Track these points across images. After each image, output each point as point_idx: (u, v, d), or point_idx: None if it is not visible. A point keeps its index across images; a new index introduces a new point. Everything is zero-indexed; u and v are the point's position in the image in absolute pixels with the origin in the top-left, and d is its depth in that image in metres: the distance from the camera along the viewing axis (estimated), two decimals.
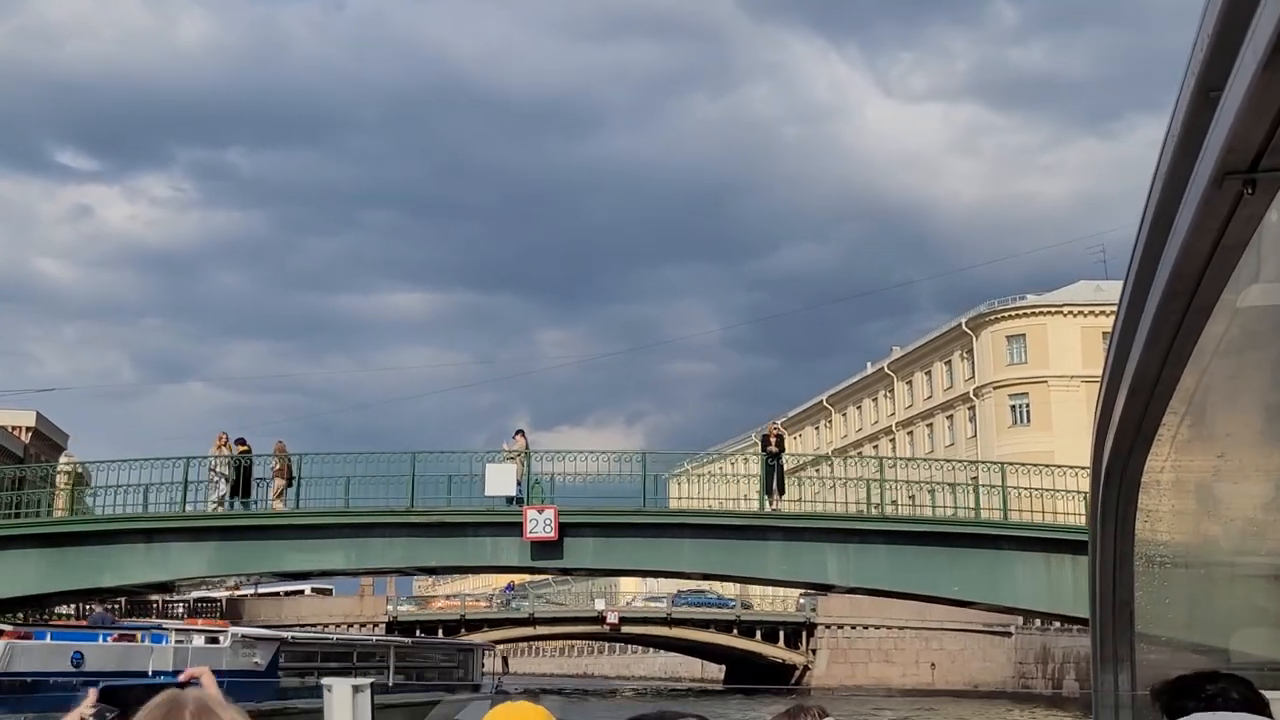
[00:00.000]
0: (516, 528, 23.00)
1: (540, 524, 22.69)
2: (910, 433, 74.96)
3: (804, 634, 57.82)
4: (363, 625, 53.42)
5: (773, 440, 23.94)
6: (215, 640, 18.97)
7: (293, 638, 23.65)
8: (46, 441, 76.86)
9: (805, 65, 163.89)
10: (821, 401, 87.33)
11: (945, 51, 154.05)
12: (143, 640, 17.76)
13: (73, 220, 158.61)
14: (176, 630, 19.74)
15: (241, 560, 23.49)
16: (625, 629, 58.83)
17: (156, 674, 17.22)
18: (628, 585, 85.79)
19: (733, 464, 53.61)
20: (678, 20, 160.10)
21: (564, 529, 22.74)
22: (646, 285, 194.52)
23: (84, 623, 24.92)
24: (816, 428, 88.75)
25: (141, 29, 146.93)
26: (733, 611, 57.80)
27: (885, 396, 79.13)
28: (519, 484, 23.34)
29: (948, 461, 27.33)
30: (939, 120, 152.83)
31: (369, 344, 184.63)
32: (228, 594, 53.13)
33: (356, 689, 15.25)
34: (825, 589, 32.43)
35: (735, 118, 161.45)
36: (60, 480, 25.76)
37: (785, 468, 24.73)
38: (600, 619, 57.23)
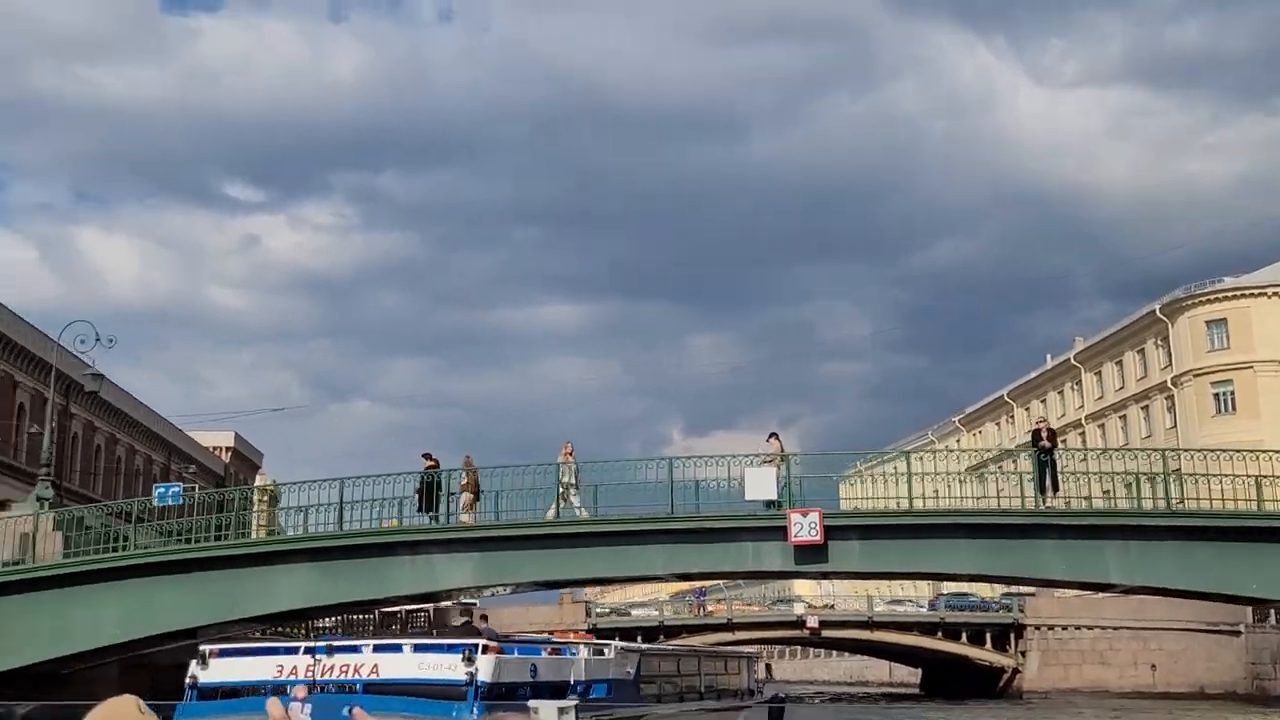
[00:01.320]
0: (779, 532, 22.39)
1: (805, 527, 22.02)
2: (1101, 425, 72.09)
3: (1012, 636, 55.78)
4: (563, 633, 53.58)
5: (1044, 434, 22.78)
6: (601, 652, 19.24)
7: (648, 648, 24.48)
8: (244, 461, 79.87)
9: (951, 58, 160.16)
10: (1002, 396, 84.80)
11: (1097, 35, 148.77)
12: (562, 654, 18.22)
13: (242, 250, 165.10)
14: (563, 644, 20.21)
15: (503, 571, 23.42)
16: (825, 633, 57.75)
17: (577, 684, 17.71)
18: (803, 589, 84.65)
19: (921, 460, 52.10)
20: (818, 21, 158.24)
21: (829, 532, 22.04)
22: (794, 287, 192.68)
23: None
24: (997, 423, 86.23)
25: (298, 65, 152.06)
26: (936, 614, 56.24)
27: (1071, 389, 76.36)
28: (779, 487, 22.76)
29: (1218, 451, 25.63)
30: (1093, 105, 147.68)
31: (522, 356, 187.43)
32: (433, 606, 53.84)
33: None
34: (1104, 588, 30.94)
35: (880, 115, 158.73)
36: (258, 499, 26.39)
37: (1051, 463, 23.50)
38: (800, 623, 56.37)
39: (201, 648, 15.97)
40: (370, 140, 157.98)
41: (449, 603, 50.14)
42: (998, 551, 22.56)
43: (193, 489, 34.46)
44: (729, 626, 56.56)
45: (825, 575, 29.62)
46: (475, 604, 50.98)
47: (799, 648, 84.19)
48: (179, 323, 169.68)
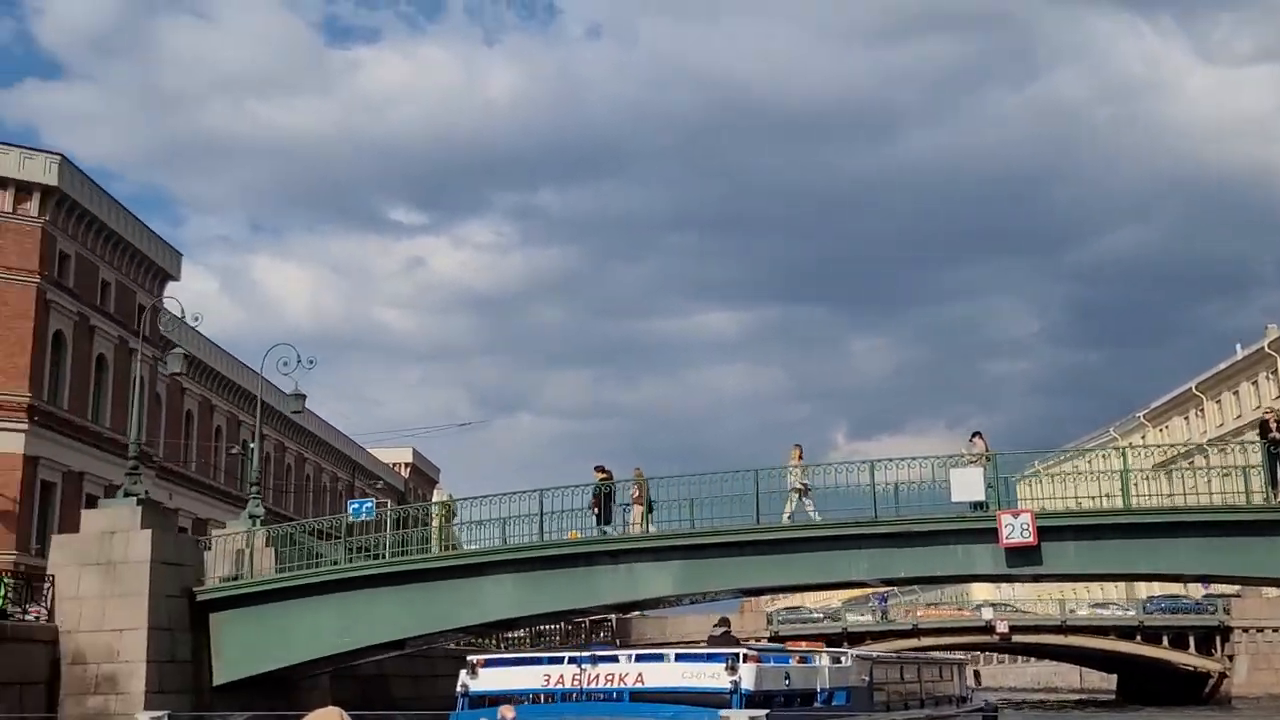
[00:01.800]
0: (988, 534, 21.66)
1: (1017, 529, 21.25)
2: None
3: (1217, 638, 53.03)
4: (744, 640, 53.22)
5: (1273, 425, 21.46)
6: (839, 660, 19.25)
7: (878, 656, 24.46)
8: (423, 476, 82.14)
9: (1114, 42, 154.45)
10: (1190, 389, 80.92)
11: (1270, 7, 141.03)
12: (808, 662, 18.37)
13: (408, 271, 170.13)
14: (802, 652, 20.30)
15: (705, 578, 23.24)
16: (1016, 638, 55.95)
17: (822, 691, 17.86)
18: (980, 592, 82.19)
19: (1106, 458, 49.96)
20: (971, 13, 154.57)
21: (1041, 533, 21.21)
22: (956, 285, 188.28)
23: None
24: (1186, 418, 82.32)
25: (456, 89, 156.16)
26: (1134, 617, 53.88)
27: (1267, 379, 72.36)
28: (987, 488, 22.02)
29: None
30: (1270, 81, 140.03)
31: (682, 365, 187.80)
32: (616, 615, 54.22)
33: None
34: None
35: (1039, 105, 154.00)
36: (435, 515, 26.80)
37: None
38: (988, 628, 54.76)
39: (469, 658, 16.67)
40: (527, 158, 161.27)
41: (635, 613, 50.44)
42: (1225, 550, 21.33)
43: (384, 505, 35.45)
44: (914, 633, 55.30)
45: (1037, 578, 28.59)
46: (639, 615, 51.10)
47: (981, 654, 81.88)
48: (350, 344, 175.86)
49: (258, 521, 27.15)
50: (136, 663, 22.73)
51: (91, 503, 42.06)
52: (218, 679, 24.23)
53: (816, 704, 17.70)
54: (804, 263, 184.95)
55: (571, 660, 15.93)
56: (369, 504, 36.70)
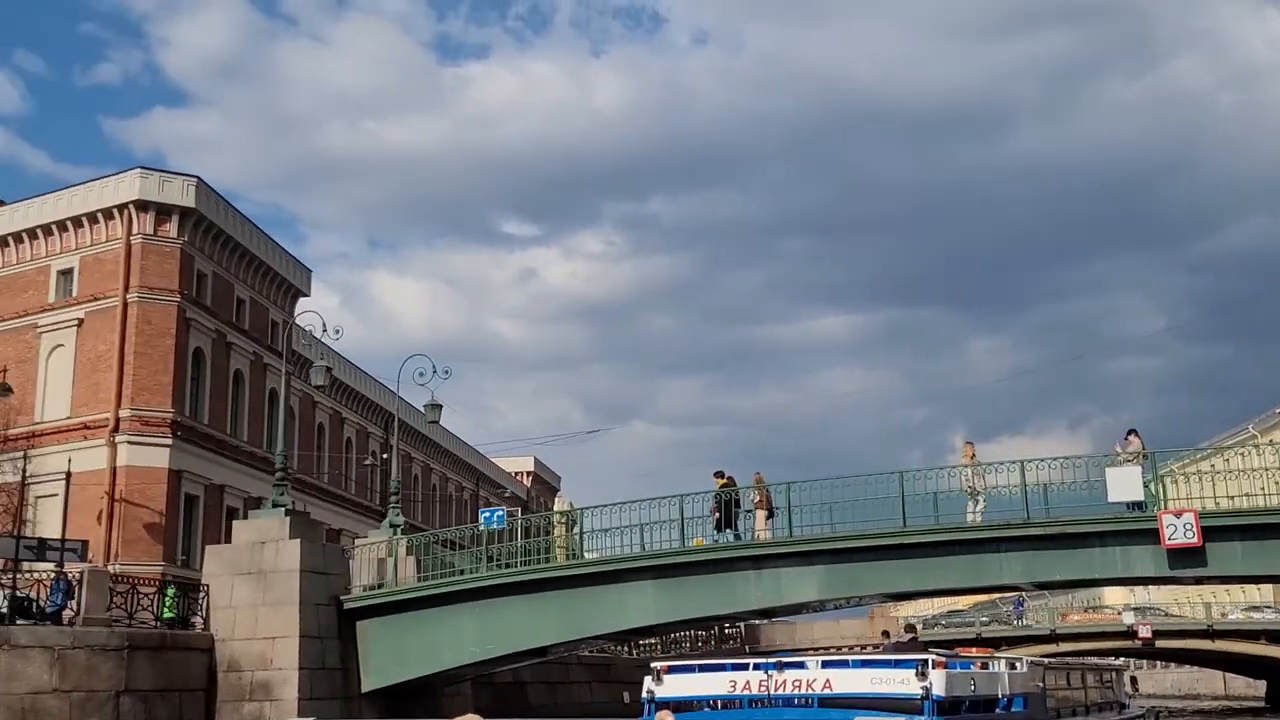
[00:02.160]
0: (1147, 535, 20.81)
1: (1180, 529, 20.36)
2: None
3: None
4: (877, 646, 52.33)
5: None
6: (1014, 666, 18.89)
7: (1050, 662, 24.00)
8: (544, 484, 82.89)
9: (1236, 26, 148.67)
10: None
11: None
12: (987, 668, 18.11)
13: (521, 283, 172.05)
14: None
15: (850, 583, 22.79)
16: (1159, 643, 54.00)
17: (1003, 697, 17.58)
18: (1113, 596, 79.56)
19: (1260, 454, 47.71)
20: (1085, 4, 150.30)
21: (1206, 534, 20.30)
22: (1075, 282, 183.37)
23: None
24: None
25: (564, 102, 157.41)
26: None
27: None
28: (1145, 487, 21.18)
29: None
30: None
31: (796, 370, 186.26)
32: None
33: None
34: None
35: (1159, 94, 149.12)
36: (557, 523, 26.82)
37: None
38: (1130, 633, 52.93)
39: (654, 665, 16.77)
40: (636, 167, 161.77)
41: (761, 620, 49.91)
42: None
43: (514, 514, 35.68)
44: (1052, 638, 53.74)
45: (1200, 580, 27.45)
46: (767, 622, 50.43)
47: (1118, 659, 79.27)
48: (466, 356, 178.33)
49: (398, 530, 27.48)
50: (289, 670, 23.16)
51: (232, 515, 43.31)
52: (365, 686, 24.57)
53: (997, 710, 17.27)
54: (918, 263, 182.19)
55: (757, 666, 15.93)
56: (500, 513, 36.98)
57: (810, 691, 15.15)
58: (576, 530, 25.54)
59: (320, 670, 23.80)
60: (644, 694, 16.42)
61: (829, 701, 14.92)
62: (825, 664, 15.91)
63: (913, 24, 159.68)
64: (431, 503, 62.06)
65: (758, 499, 23.93)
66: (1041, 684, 20.35)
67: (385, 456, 56.48)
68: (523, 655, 25.75)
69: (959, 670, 16.03)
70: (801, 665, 15.82)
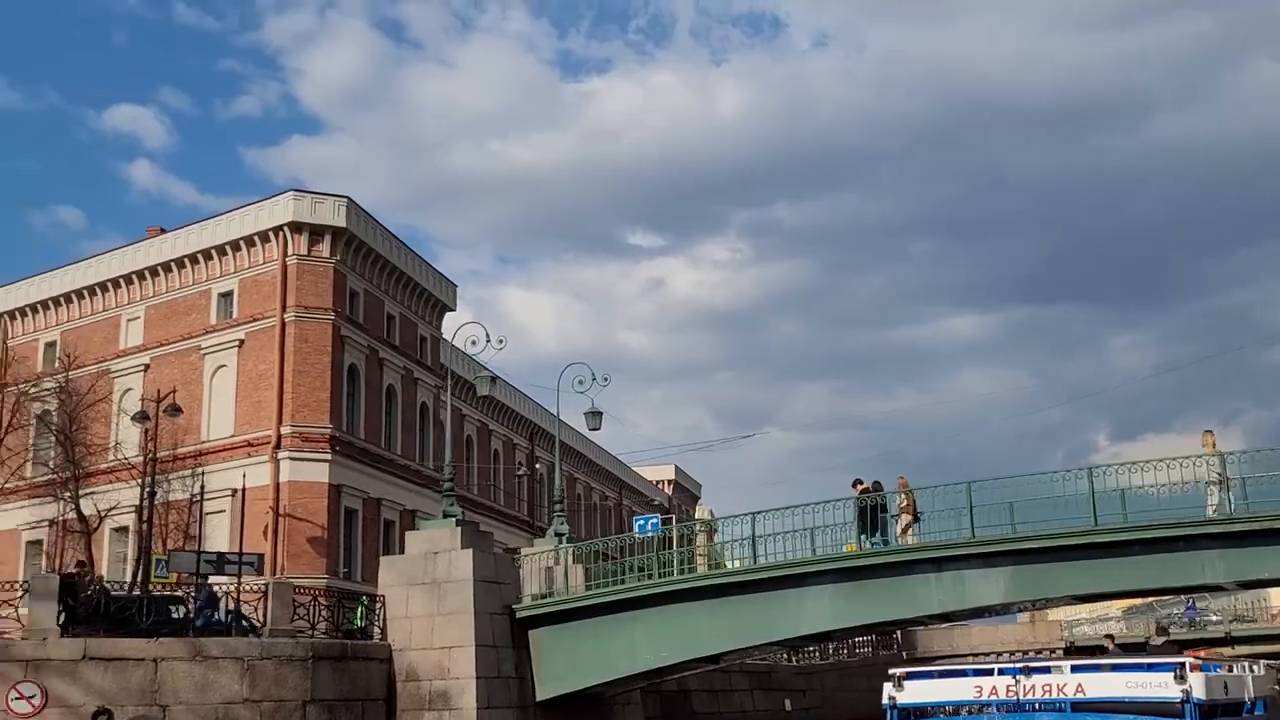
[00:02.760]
0: None
1: None
2: None
3: None
4: (1038, 651, 50.73)
5: None
6: (1252, 669, 18.14)
7: None
8: (685, 492, 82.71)
9: None
10: None
11: None
12: (1233, 670, 17.48)
13: (648, 293, 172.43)
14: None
15: (1037, 585, 21.89)
16: None
17: (1249, 701, 16.97)
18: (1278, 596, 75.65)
19: None
20: None
21: None
22: (1219, 272, 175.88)
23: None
24: None
25: (687, 111, 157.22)
26: None
27: None
28: None
29: None
30: None
31: (927, 372, 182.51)
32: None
33: None
34: None
35: None
36: (699, 531, 26.42)
37: None
38: None
39: (892, 671, 16.48)
40: (759, 174, 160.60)
41: (920, 627, 48.80)
42: None
43: (669, 520, 35.44)
44: (1227, 641, 51.30)
45: None
46: (924, 627, 49.23)
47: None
48: (596, 367, 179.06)
49: (564, 539, 27.47)
50: (466, 679, 23.25)
51: (389, 528, 44.15)
52: (540, 694, 24.56)
53: (1243, 714, 16.45)
54: (1053, 259, 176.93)
55: (1002, 671, 15.48)
56: (655, 520, 36.84)
57: (1062, 696, 14.68)
58: (717, 539, 25.42)
59: (496, 679, 23.86)
60: (885, 700, 16.13)
61: (1083, 706, 14.44)
62: (1076, 668, 15.49)
63: (1037, 16, 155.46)
64: (577, 512, 62.30)
65: (904, 504, 23.36)
66: (1278, 688, 19.33)
67: (537, 467, 57.03)
68: (696, 663, 25.46)
69: (1215, 673, 15.31)
70: (1049, 670, 15.38)
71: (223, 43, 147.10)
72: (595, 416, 29.14)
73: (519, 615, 24.76)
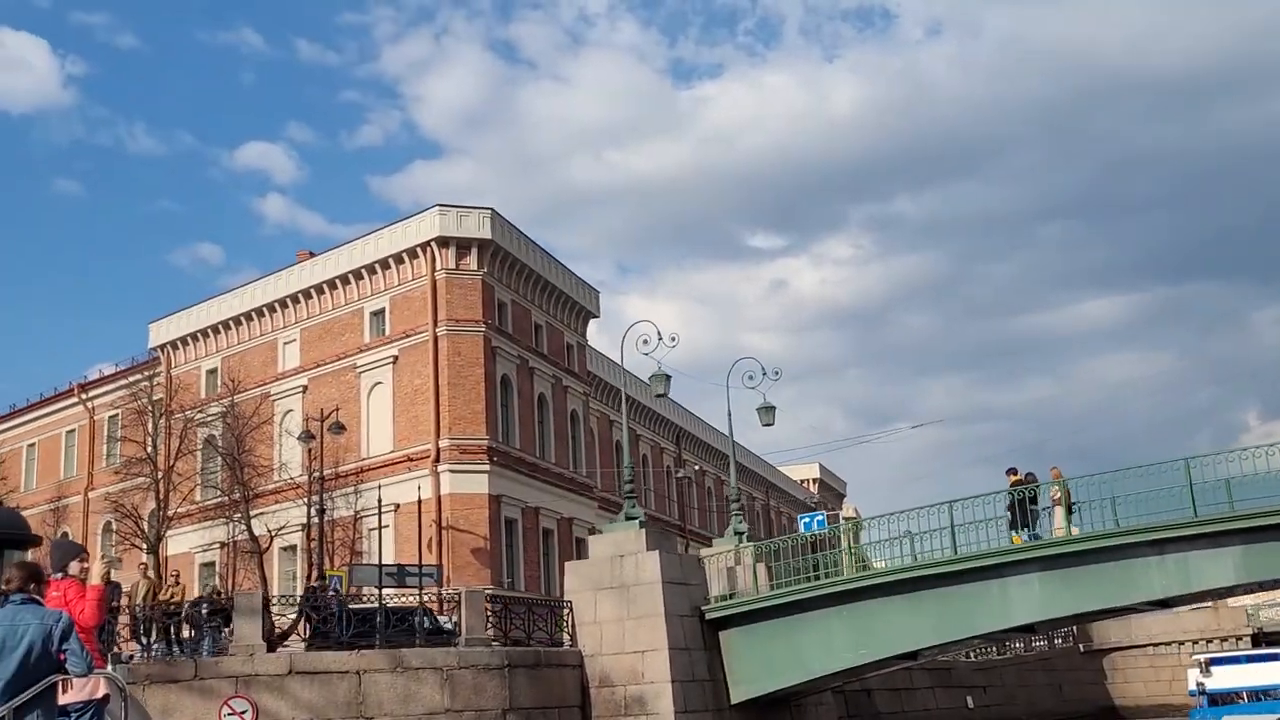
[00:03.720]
0: None
1: None
2: None
3: None
4: (1223, 640, 48.34)
5: None
6: None
7: None
8: (830, 490, 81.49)
9: None
10: None
11: None
12: None
13: (771, 294, 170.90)
14: None
15: (1270, 565, 20.54)
16: None
17: None
18: None
19: None
20: None
21: None
22: None
23: None
24: None
25: (801, 110, 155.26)
26: None
27: None
28: None
29: None
30: None
31: (1063, 359, 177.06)
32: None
33: None
34: None
35: None
36: (845, 531, 25.64)
37: None
38: None
39: (1197, 658, 15.66)
40: (878, 168, 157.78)
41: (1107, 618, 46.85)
42: None
43: (834, 517, 34.58)
44: None
45: None
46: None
47: None
48: (721, 370, 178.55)
49: (744, 538, 26.87)
50: (661, 683, 22.79)
51: (548, 536, 44.12)
52: (735, 697, 23.99)
53: None
54: (1191, 237, 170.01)
55: None
56: (820, 516, 36.00)
57: None
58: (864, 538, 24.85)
59: (691, 682, 23.35)
60: (1192, 686, 15.30)
61: None
62: None
63: None
64: (725, 514, 61.69)
65: (1057, 495, 22.27)
66: None
67: (696, 467, 56.64)
68: (895, 660, 24.59)
69: None
70: None
71: (344, 75, 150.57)
72: (768, 411, 28.49)
73: (708, 617, 24.21)
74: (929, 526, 22.80)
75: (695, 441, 61.81)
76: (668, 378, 26.01)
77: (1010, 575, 21.91)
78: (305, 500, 38.53)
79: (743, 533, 27.27)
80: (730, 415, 29.75)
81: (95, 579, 8.15)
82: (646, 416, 56.47)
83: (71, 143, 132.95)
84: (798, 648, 23.71)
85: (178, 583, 23.84)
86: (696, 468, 57.95)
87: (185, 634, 22.13)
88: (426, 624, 22.74)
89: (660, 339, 25.08)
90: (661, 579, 23.55)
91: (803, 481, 76.84)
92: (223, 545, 43.09)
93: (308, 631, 21.09)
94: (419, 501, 38.57)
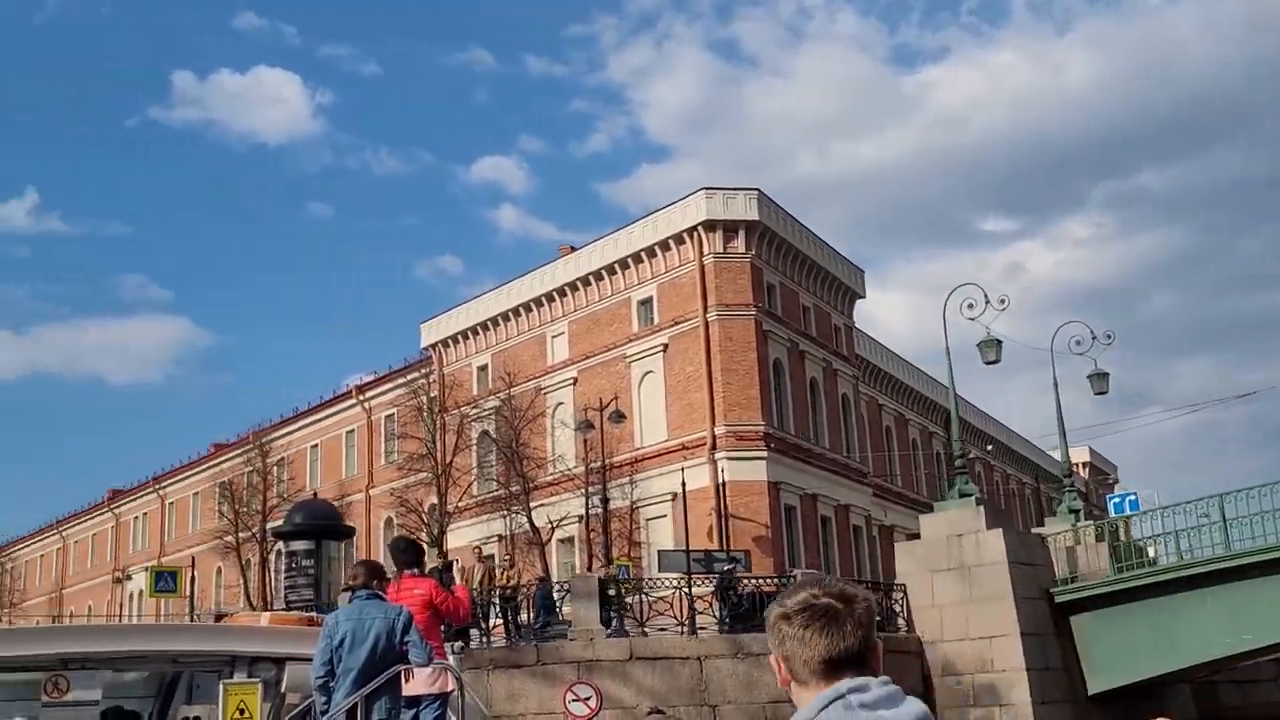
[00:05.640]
0: None
1: None
2: None
3: None
4: None
5: None
6: None
7: None
8: (1100, 474, 77.11)
9: None
10: None
11: None
12: None
13: (1007, 279, 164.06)
14: None
15: None
16: None
17: None
18: None
19: None
20: None
21: None
22: None
23: None
24: None
25: (1032, 88, 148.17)
26: None
27: None
28: None
29: None
30: None
31: None
32: None
33: None
34: None
35: None
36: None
37: None
38: None
39: None
40: (1118, 142, 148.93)
41: None
42: None
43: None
44: None
45: None
46: None
47: None
48: (957, 358, 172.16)
49: (1080, 515, 24.86)
50: (1015, 671, 21.14)
51: (825, 523, 42.73)
52: (1093, 688, 22.08)
53: None
54: None
55: None
56: (1132, 496, 33.32)
57: None
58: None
59: (1045, 671, 21.61)
60: None
61: None
62: None
63: None
64: (997, 498, 58.84)
65: None
66: None
67: (989, 447, 54.18)
68: (1274, 648, 22.11)
69: None
70: None
71: (572, 85, 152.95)
72: (1101, 379, 26.29)
73: (1058, 600, 22.35)
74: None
75: (964, 425, 59.19)
76: (998, 343, 24.22)
77: None
78: (582, 491, 38.41)
79: (1078, 510, 25.25)
80: (1055, 385, 27.58)
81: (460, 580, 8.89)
82: (913, 400, 54.36)
83: (321, 169, 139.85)
84: (1169, 633, 21.60)
85: (513, 565, 23.62)
86: (989, 447, 55.38)
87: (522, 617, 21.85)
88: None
89: (988, 303, 23.32)
90: (1007, 559, 21.85)
91: (1072, 465, 72.88)
92: (501, 538, 43.53)
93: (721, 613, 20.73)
94: (689, 492, 37.81)
